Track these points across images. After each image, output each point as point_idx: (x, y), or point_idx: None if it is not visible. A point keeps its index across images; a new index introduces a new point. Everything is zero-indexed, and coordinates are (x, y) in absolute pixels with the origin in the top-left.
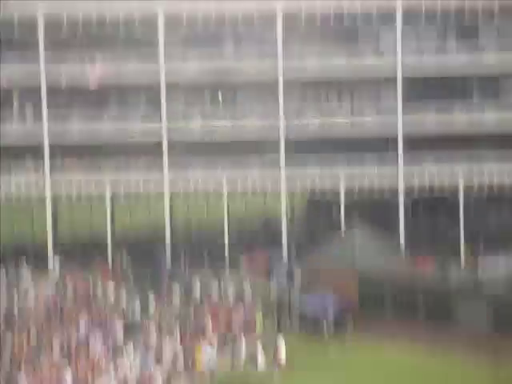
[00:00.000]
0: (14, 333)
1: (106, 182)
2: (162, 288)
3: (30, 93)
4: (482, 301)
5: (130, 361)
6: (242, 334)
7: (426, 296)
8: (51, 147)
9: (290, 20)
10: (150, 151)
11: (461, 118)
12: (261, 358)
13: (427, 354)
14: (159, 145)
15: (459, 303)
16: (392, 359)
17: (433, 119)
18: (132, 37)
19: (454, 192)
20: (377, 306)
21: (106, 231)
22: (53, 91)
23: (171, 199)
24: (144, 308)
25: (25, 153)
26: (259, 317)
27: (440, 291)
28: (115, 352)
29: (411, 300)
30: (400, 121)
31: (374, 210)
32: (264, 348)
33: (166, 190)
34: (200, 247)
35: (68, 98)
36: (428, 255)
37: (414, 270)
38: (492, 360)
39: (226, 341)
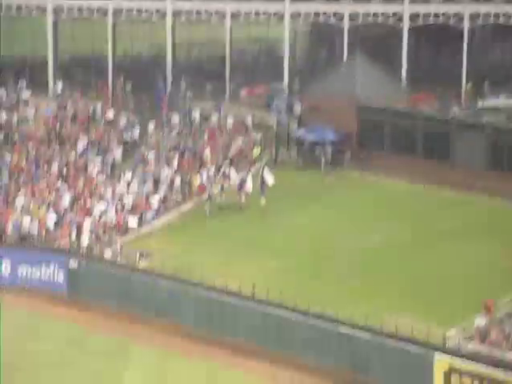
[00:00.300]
0: (14, 151)
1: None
2: (162, 115)
3: None
4: (480, 137)
5: (128, 183)
6: (237, 161)
7: (426, 131)
8: None
9: None
10: None
11: None
12: (250, 185)
13: (424, 190)
14: None
15: (458, 139)
16: (389, 191)
17: None
18: None
19: (459, 20)
20: (376, 139)
21: (107, 55)
22: None
23: (173, 28)
24: (143, 134)
25: None
26: (257, 147)
27: (439, 126)
28: (113, 175)
29: (410, 135)
30: None
31: (377, 40)
32: (255, 176)
33: (169, 19)
34: (201, 77)
35: None
36: (429, 91)
37: (414, 104)
38: (486, 197)
39: (222, 167)
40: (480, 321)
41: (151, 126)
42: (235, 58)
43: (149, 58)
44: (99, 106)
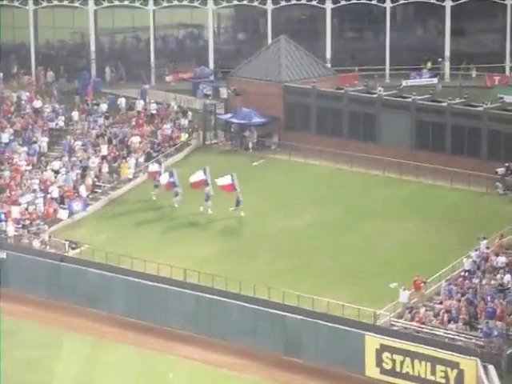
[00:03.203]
0: None
1: None
2: (87, 103)
3: None
4: (405, 117)
5: (55, 172)
6: (167, 146)
7: (351, 112)
8: None
9: None
10: None
11: None
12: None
13: (351, 171)
14: None
15: (383, 119)
16: (316, 173)
17: None
18: None
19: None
20: (303, 121)
21: (29, 43)
22: None
23: (96, 13)
24: (68, 123)
25: None
26: (184, 133)
27: (364, 107)
28: (40, 165)
29: (336, 116)
30: None
31: (301, 21)
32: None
33: (91, 4)
34: (125, 63)
35: None
36: (353, 71)
37: (339, 85)
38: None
39: (151, 154)
40: (409, 298)
41: (77, 115)
42: (159, 44)
43: (72, 45)
44: (23, 95)
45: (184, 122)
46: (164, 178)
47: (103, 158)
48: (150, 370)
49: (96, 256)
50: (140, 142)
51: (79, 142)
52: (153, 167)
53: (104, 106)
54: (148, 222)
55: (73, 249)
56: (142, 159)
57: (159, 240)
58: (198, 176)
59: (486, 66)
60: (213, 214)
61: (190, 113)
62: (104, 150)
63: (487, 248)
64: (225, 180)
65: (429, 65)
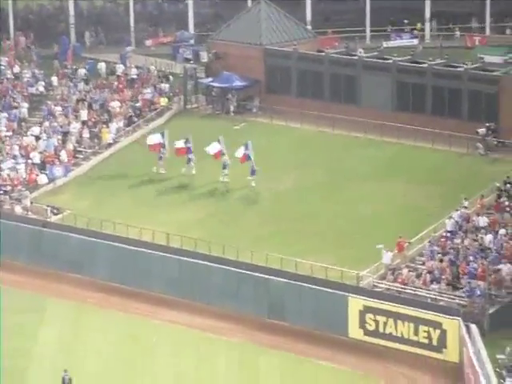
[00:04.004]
0: None
1: None
2: (67, 68)
3: None
4: (386, 78)
5: (36, 137)
6: (147, 111)
7: (332, 74)
8: None
9: None
10: None
11: None
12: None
13: (333, 133)
14: None
15: (364, 81)
16: (298, 136)
17: None
18: None
19: None
20: (283, 84)
21: (7, 8)
22: None
23: None
24: (48, 88)
25: None
26: (164, 97)
27: (346, 68)
28: (20, 130)
29: (317, 79)
30: None
31: None
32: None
33: None
34: (105, 27)
35: None
36: (334, 34)
37: (320, 47)
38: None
39: (131, 120)
40: (392, 260)
41: (56, 80)
42: (139, 8)
43: (51, 9)
44: (2, 60)
45: (165, 86)
46: (179, 144)
47: (84, 123)
48: (134, 334)
49: (78, 221)
50: (120, 107)
51: (59, 108)
52: (154, 139)
53: (83, 71)
54: (130, 187)
55: (55, 214)
56: (122, 124)
57: (141, 205)
58: (214, 147)
59: (467, 26)
60: (228, 183)
61: (170, 77)
62: (84, 115)
63: (467, 208)
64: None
65: (419, 26)
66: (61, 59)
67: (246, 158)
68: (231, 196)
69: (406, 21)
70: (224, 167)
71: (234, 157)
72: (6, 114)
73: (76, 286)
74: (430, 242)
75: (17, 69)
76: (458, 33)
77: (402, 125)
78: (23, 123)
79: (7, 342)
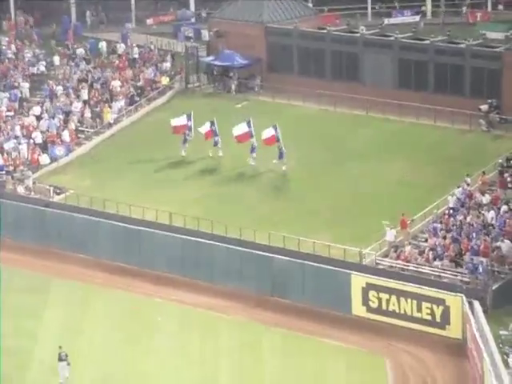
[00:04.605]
0: None
1: None
2: (68, 47)
3: None
4: (388, 55)
5: (37, 117)
6: (149, 90)
7: (335, 51)
8: None
9: None
10: None
11: None
12: None
13: (334, 111)
14: None
15: (365, 58)
16: (300, 114)
17: None
18: None
19: None
20: (285, 62)
21: None
22: None
23: None
24: (49, 68)
25: None
26: (165, 76)
27: (347, 45)
28: (22, 110)
29: (319, 56)
30: None
31: None
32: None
33: None
34: (106, 6)
35: None
36: (335, 11)
37: (321, 25)
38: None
39: (133, 99)
40: (395, 237)
41: (58, 59)
42: None
43: None
44: (3, 40)
45: (166, 65)
46: (205, 127)
47: (85, 102)
48: (139, 313)
49: (81, 201)
50: (122, 86)
51: (61, 87)
52: (180, 120)
53: (82, 51)
54: (132, 166)
55: (57, 194)
56: (123, 103)
57: (143, 184)
58: (242, 128)
59: (469, 2)
60: (256, 166)
61: (172, 56)
62: (85, 94)
63: (469, 185)
64: (267, 132)
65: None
66: (62, 39)
67: (276, 139)
68: (233, 174)
69: None
70: (252, 150)
71: (229, 134)
72: (7, 94)
73: (79, 265)
74: (432, 219)
75: (17, 49)
76: (464, 8)
77: (404, 102)
78: (24, 103)
79: (11, 322)
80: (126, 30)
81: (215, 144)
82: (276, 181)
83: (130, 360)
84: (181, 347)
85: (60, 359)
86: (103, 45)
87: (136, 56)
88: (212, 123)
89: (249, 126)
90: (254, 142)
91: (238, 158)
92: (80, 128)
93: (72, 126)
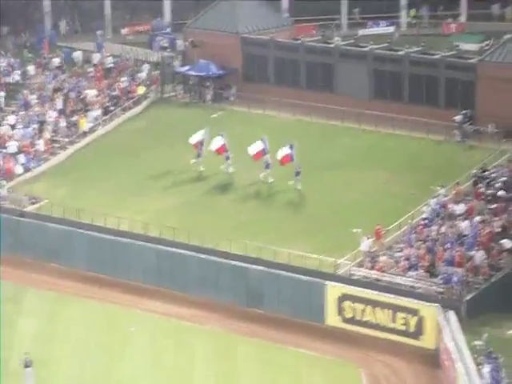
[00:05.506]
0: None
1: None
2: (43, 57)
3: None
4: (362, 66)
5: (12, 126)
6: (125, 99)
7: (310, 62)
8: None
9: None
10: None
11: None
12: None
13: (310, 121)
14: None
15: (340, 69)
16: (275, 124)
17: None
18: None
19: None
20: (260, 72)
21: None
22: None
23: None
24: (24, 77)
25: None
26: (141, 86)
27: (322, 56)
28: None
29: (294, 67)
30: None
31: None
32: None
33: None
34: (81, 15)
35: None
36: (311, 22)
37: (296, 36)
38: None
39: (108, 108)
40: (370, 247)
41: (33, 69)
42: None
43: None
44: None
45: (142, 74)
46: (217, 142)
47: (60, 112)
48: (112, 323)
49: (55, 211)
50: (97, 96)
51: (35, 96)
52: (197, 137)
53: (57, 60)
54: (107, 176)
55: (32, 204)
56: (98, 112)
57: (118, 194)
58: (257, 146)
59: (443, 13)
60: (273, 182)
61: (147, 66)
62: (60, 104)
63: (445, 196)
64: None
65: (412, 12)
66: (37, 48)
67: (291, 159)
68: (209, 184)
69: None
70: (267, 167)
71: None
72: None
73: (54, 275)
74: (407, 229)
75: None
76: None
77: (379, 113)
78: None
79: None
80: (99, 39)
81: (226, 158)
82: (251, 190)
83: (103, 370)
84: (154, 357)
85: (26, 365)
86: (78, 54)
87: (111, 66)
88: (222, 138)
89: (263, 143)
90: (269, 158)
91: (216, 167)
92: (55, 137)
93: (47, 135)
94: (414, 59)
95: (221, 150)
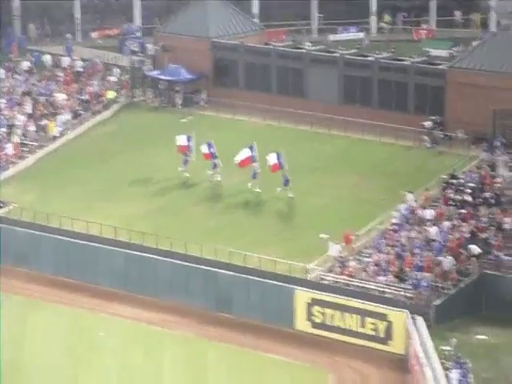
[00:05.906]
0: None
1: None
2: (12, 60)
3: None
4: (333, 71)
5: None
6: (94, 103)
7: (280, 67)
8: None
9: None
10: None
11: None
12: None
13: (280, 126)
14: None
15: (311, 74)
16: (245, 129)
17: None
18: None
19: None
20: (231, 77)
21: None
22: None
23: None
24: None
25: None
26: (111, 90)
27: (293, 61)
28: None
29: (264, 72)
30: None
31: None
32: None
33: None
34: (50, 19)
35: None
36: (281, 27)
37: (267, 41)
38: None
39: (78, 112)
40: (339, 252)
41: (2, 72)
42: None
43: None
44: None
45: (112, 79)
46: (204, 149)
47: (29, 115)
48: (81, 328)
49: (24, 215)
50: (67, 100)
51: (4, 100)
52: (181, 140)
53: (29, 63)
54: (76, 180)
55: (0, 208)
56: (68, 117)
57: (88, 199)
58: (244, 154)
59: (414, 19)
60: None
61: (117, 70)
62: (29, 107)
63: (414, 201)
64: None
65: (386, 18)
66: (6, 51)
67: (280, 167)
68: (178, 189)
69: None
70: (254, 176)
71: (173, 149)
72: None
73: (22, 279)
74: (376, 234)
75: None
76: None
77: (349, 118)
78: None
79: None
80: (69, 43)
81: (214, 166)
82: (221, 196)
83: (71, 375)
84: (123, 362)
85: None
86: (47, 58)
87: (81, 69)
88: (209, 145)
89: (251, 151)
90: (257, 167)
91: (194, 173)
92: (24, 141)
93: (15, 139)
94: (384, 65)
95: (207, 156)
